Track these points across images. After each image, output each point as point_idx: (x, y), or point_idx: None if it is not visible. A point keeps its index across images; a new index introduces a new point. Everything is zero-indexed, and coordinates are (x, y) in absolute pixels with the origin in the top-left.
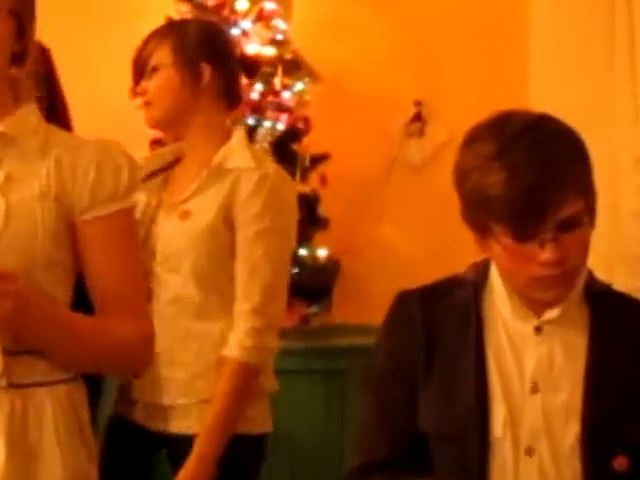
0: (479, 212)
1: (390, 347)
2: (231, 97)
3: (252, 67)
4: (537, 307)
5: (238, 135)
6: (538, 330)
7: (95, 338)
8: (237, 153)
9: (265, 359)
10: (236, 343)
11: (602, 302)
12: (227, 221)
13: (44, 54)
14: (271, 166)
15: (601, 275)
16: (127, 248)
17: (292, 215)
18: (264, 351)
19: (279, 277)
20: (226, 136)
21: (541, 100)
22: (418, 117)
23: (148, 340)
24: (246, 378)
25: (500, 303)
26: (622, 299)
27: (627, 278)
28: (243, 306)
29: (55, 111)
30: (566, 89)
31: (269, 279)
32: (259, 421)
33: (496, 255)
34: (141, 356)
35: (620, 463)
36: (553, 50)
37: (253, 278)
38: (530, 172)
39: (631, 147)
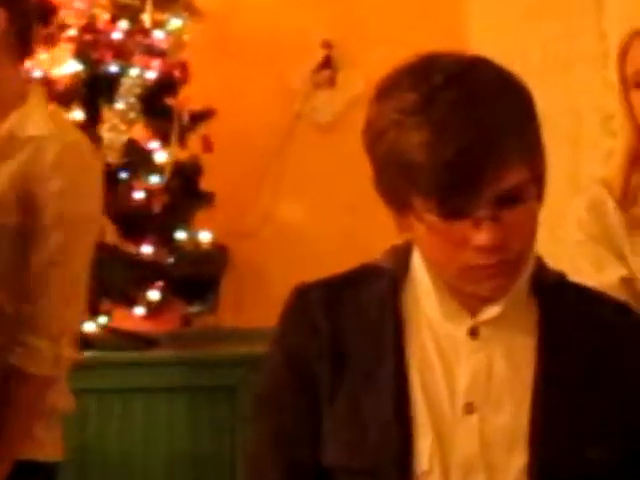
0: (396, 181)
1: (286, 358)
2: (24, 46)
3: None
4: (472, 303)
5: (35, 95)
6: (473, 333)
7: None
8: (34, 118)
9: (58, 370)
10: (23, 351)
11: (554, 296)
12: (22, 202)
13: None
14: (75, 134)
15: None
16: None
17: (99, 196)
18: (56, 361)
19: (78, 272)
20: (20, 97)
21: (481, 43)
22: (327, 63)
23: None
24: (34, 392)
25: (425, 299)
26: (579, 292)
27: None
28: (33, 306)
29: None
30: (512, 29)
31: (66, 274)
32: (48, 447)
33: (419, 237)
34: None
35: None
36: None
37: (47, 271)
38: (459, 130)
39: (597, 100)
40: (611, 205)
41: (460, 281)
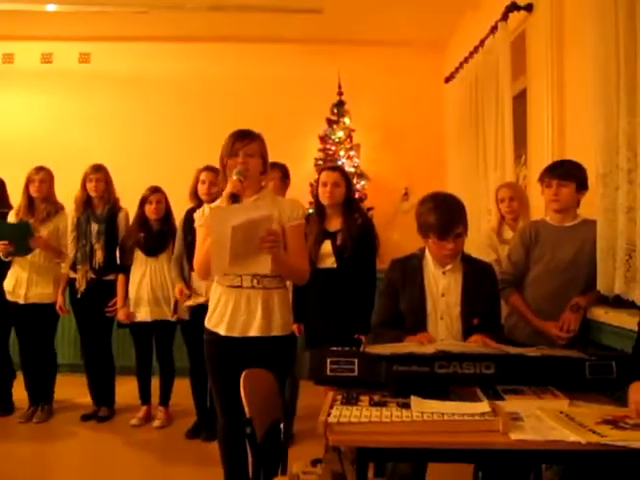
0: (423, 230)
1: (389, 279)
2: None
3: None
4: (443, 263)
5: None
6: (444, 273)
7: (292, 267)
8: None
9: None
10: None
11: (470, 265)
12: None
13: None
14: None
15: None
16: (301, 240)
17: None
18: None
19: None
20: None
21: None
22: None
23: (306, 273)
24: None
25: (429, 263)
26: (478, 264)
27: None
28: None
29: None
30: None
31: None
32: None
33: (430, 245)
34: (304, 278)
35: (476, 321)
36: None
37: None
38: (437, 212)
39: None
40: None
41: (442, 258)
